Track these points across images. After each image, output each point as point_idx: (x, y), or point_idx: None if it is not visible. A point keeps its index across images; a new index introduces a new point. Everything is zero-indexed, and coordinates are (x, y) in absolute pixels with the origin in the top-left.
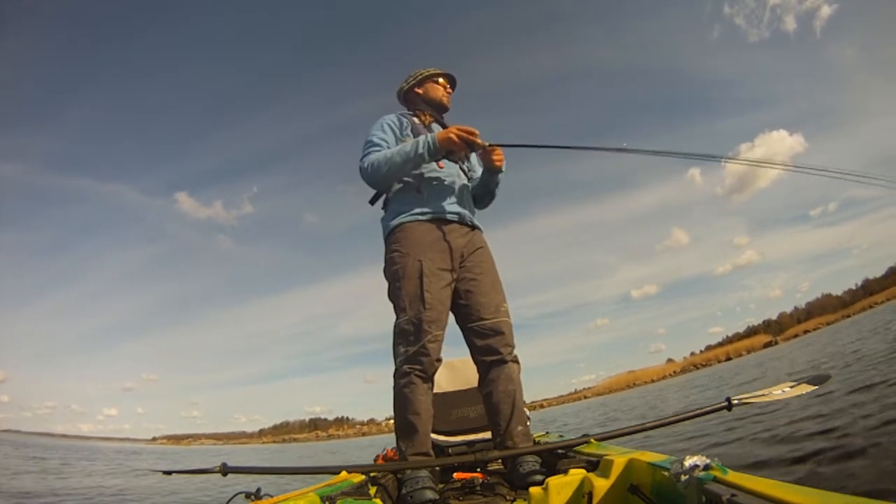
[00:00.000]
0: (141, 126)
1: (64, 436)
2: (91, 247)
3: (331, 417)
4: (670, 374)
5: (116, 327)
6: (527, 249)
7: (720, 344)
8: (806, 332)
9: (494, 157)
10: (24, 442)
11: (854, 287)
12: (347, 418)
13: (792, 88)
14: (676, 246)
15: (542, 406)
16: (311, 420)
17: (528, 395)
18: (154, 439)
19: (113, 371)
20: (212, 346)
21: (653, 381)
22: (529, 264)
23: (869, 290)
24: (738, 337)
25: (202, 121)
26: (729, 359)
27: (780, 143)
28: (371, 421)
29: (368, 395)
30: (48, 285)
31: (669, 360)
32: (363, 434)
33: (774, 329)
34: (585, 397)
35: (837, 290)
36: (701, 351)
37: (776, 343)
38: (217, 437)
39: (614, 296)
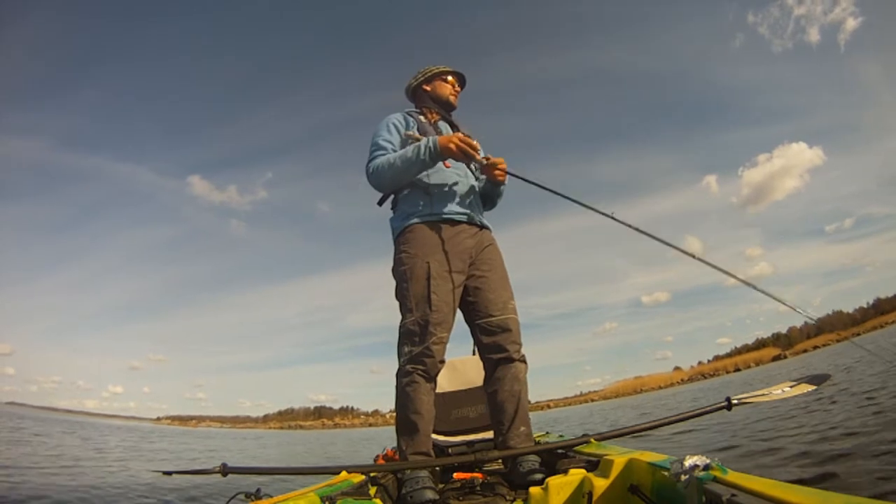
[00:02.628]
0: (157, 107)
1: (68, 411)
2: (103, 225)
3: (335, 406)
4: (677, 382)
5: (126, 306)
6: (539, 249)
7: (728, 355)
8: (815, 347)
9: (496, 172)
10: (27, 415)
11: (866, 305)
12: (352, 408)
13: (813, 101)
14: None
15: (548, 406)
16: (315, 408)
17: (534, 394)
18: (159, 419)
19: (120, 349)
20: (219, 330)
21: (660, 387)
22: (541, 264)
23: (880, 309)
24: (747, 348)
25: (219, 104)
26: (737, 369)
27: (799, 155)
28: (376, 412)
29: (373, 386)
30: (59, 261)
31: (677, 368)
32: (370, 425)
33: (784, 343)
34: (592, 400)
35: (849, 308)
36: (709, 360)
37: (785, 357)
38: (222, 420)
39: (624, 301)
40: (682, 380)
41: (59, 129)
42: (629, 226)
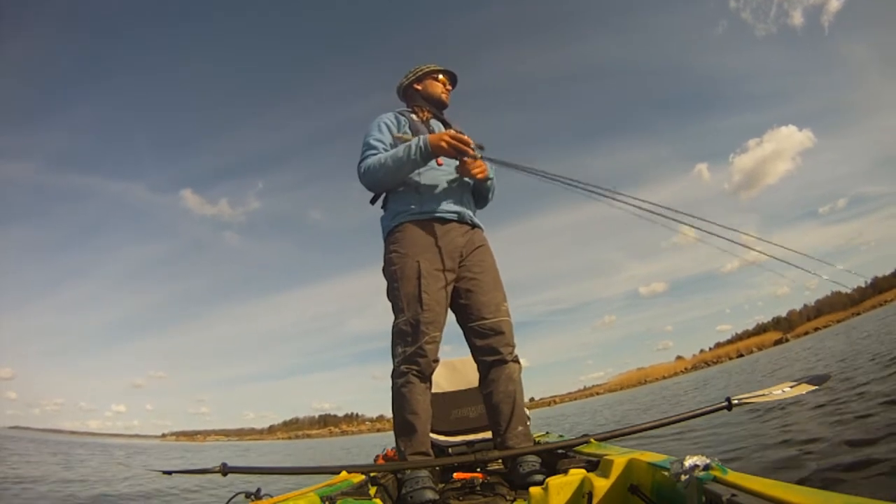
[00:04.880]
0: (146, 122)
1: (73, 432)
2: (99, 244)
3: (340, 414)
4: (681, 371)
5: (124, 324)
6: (535, 246)
7: (730, 341)
8: (816, 329)
9: (475, 172)
10: (31, 438)
11: (863, 285)
12: (357, 414)
13: (801, 84)
14: (684, 243)
15: (554, 402)
16: (320, 416)
17: (538, 391)
18: (164, 436)
19: (121, 368)
20: (218, 343)
21: (664, 377)
22: (538, 261)
23: (878, 287)
24: (748, 334)
25: (207, 117)
26: (740, 355)
27: (790, 138)
28: (381, 417)
29: (375, 391)
30: (56, 282)
31: (679, 358)
32: (378, 430)
33: (784, 326)
34: (597, 394)
35: (846, 288)
36: (710, 348)
37: (787, 340)
38: (227, 434)
39: (622, 293)
40: (685, 369)
41: (51, 150)
42: (628, 201)
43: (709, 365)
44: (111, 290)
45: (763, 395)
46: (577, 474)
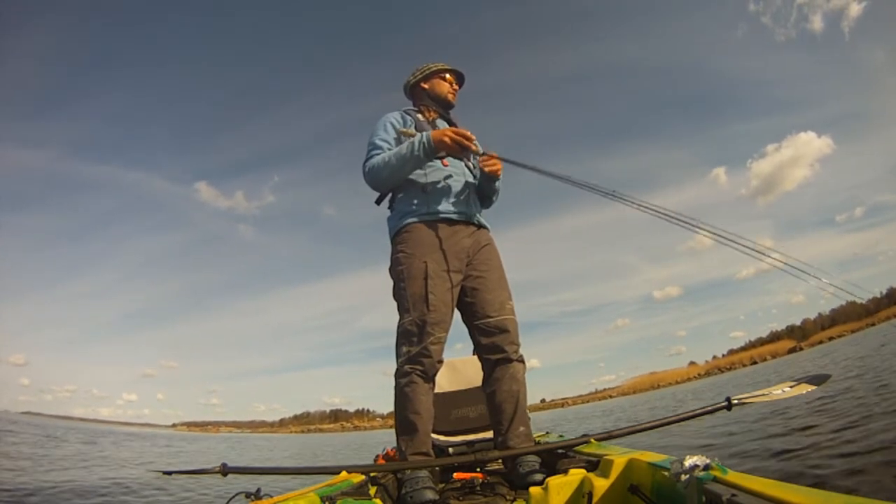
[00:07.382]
0: (164, 113)
1: (83, 419)
2: (114, 233)
3: (351, 409)
4: (694, 377)
5: (137, 314)
6: (551, 247)
7: (743, 348)
8: (830, 338)
9: (489, 168)
10: (43, 424)
11: (879, 295)
12: (368, 410)
13: (821, 90)
14: (699, 247)
15: (567, 403)
16: (331, 411)
17: (549, 393)
18: (174, 426)
19: (133, 357)
20: (231, 336)
21: (676, 382)
22: (554, 262)
23: (894, 298)
24: (762, 342)
25: (224, 110)
26: (754, 363)
27: (808, 145)
28: (391, 414)
29: (386, 388)
30: (70, 270)
31: (692, 363)
32: (390, 426)
33: (798, 335)
34: (610, 396)
35: (862, 298)
36: (723, 355)
37: (801, 349)
38: (237, 426)
39: (636, 296)
40: (698, 374)
41: (68, 138)
42: (632, 202)
43: (721, 371)
44: (125, 280)
45: (763, 394)
46: (577, 474)
